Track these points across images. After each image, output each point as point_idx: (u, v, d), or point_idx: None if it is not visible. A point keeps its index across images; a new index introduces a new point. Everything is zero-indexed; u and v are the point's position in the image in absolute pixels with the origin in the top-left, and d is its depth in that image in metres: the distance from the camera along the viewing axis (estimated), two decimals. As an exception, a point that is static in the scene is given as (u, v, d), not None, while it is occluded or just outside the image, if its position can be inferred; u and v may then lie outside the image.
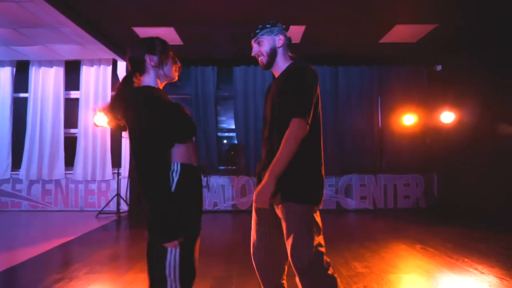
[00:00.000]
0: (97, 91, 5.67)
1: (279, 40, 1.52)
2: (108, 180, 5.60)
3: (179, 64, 1.37)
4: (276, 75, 1.58)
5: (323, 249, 1.35)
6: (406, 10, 3.76)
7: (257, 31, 1.54)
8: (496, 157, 4.40)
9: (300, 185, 1.39)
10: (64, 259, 3.21)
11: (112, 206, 5.28)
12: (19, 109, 5.81)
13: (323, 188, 1.45)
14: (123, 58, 5.21)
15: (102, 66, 5.68)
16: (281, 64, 1.54)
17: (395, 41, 4.58)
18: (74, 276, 2.51)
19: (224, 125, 6.18)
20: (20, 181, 5.64)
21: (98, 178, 5.57)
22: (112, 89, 5.65)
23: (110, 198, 5.44)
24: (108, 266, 2.82)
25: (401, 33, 4.33)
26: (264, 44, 1.53)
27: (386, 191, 5.63)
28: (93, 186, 5.62)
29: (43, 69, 5.70)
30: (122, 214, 5.08)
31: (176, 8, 3.69)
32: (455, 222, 4.50)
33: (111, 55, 5.11)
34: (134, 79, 1.29)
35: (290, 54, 1.58)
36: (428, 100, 5.60)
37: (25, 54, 5.26)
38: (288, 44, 1.58)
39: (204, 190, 5.53)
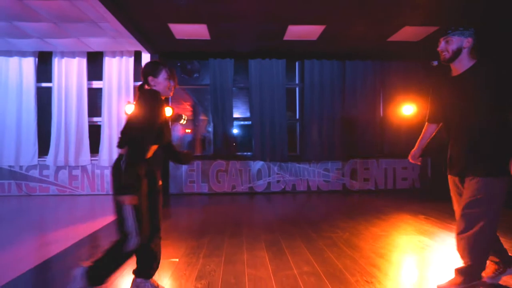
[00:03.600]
0: (120, 81, 5.97)
1: (467, 42, 1.82)
2: (133, 166, 5.99)
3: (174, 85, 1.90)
4: (455, 71, 1.91)
5: None
6: (415, 14, 4.30)
7: (449, 31, 1.84)
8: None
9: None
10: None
11: (137, 190, 5.70)
12: (43, 98, 6.05)
13: None
14: (149, 51, 5.55)
15: (124, 57, 5.97)
16: (465, 62, 1.85)
17: (402, 39, 5.15)
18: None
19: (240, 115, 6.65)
20: (47, 167, 5.94)
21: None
22: (135, 80, 5.99)
23: (135, 182, 5.86)
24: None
25: (408, 33, 4.89)
26: (452, 43, 1.84)
27: (387, 174, 6.31)
28: (118, 171, 5.99)
29: (66, 60, 5.93)
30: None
31: (211, 7, 4.06)
32: (447, 199, 5.20)
33: (139, 47, 5.42)
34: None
35: (473, 54, 1.85)
36: (425, 92, 6.25)
37: (51, 45, 5.47)
38: (474, 47, 1.85)
39: (223, 174, 6.06)
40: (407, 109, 6.03)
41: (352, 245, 2.90)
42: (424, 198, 5.30)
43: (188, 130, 7.39)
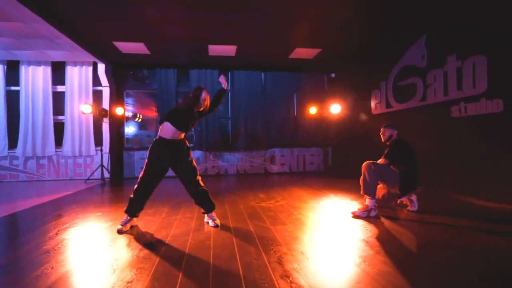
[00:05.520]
0: (80, 86, 6.41)
1: (394, 132, 3.10)
2: (92, 155, 6.46)
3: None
4: (388, 144, 3.10)
5: None
6: (299, 40, 5.19)
7: (385, 126, 3.15)
8: (362, 135, 6.12)
9: None
10: (67, 203, 4.18)
11: (96, 175, 6.21)
12: (12, 99, 6.33)
13: None
14: (103, 62, 6.05)
15: (84, 66, 6.40)
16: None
17: (299, 57, 6.05)
18: (72, 211, 3.63)
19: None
20: (16, 157, 6.25)
21: (84, 153, 6.40)
22: (94, 85, 6.44)
23: (94, 169, 6.35)
24: (100, 207, 3.95)
25: (301, 53, 5.80)
26: (386, 132, 3.13)
27: (298, 160, 7.27)
28: (80, 160, 6.44)
29: (32, 68, 6.27)
30: (105, 180, 6.04)
31: (146, 30, 4.68)
32: (336, 176, 6.22)
33: (92, 59, 5.90)
34: None
35: (396, 136, 3.09)
36: (326, 97, 7.28)
37: (17, 56, 5.81)
38: (398, 133, 3.10)
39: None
40: (313, 110, 7.01)
41: (233, 202, 3.72)
42: (319, 178, 6.28)
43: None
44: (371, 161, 3.00)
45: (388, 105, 5.19)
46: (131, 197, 2.54)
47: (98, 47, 5.33)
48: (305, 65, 6.66)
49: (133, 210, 2.54)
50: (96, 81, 6.45)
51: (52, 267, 1.80)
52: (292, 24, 4.54)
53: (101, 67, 6.18)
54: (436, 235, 2.32)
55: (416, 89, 4.51)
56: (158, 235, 2.44)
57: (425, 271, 1.68)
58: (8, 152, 6.23)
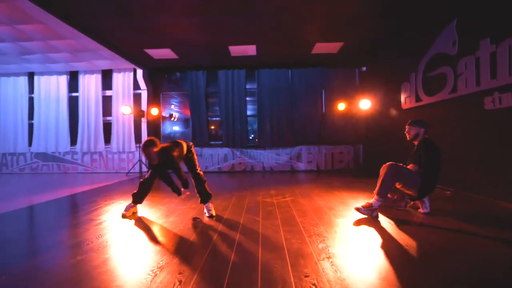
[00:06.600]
0: (124, 90, 7.36)
1: (421, 130, 2.90)
2: (133, 151, 7.37)
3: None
4: (415, 143, 2.96)
5: None
6: (317, 35, 5.13)
7: (411, 123, 2.95)
8: (392, 132, 5.68)
9: None
10: (111, 190, 4.92)
11: (136, 169, 7.05)
12: (72, 104, 7.60)
13: None
14: (140, 67, 6.85)
15: (126, 72, 7.33)
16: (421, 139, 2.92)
17: (322, 52, 5.95)
18: (106, 198, 4.25)
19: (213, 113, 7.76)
20: (76, 153, 7.50)
21: (127, 150, 7.34)
22: (134, 88, 7.33)
23: (134, 164, 7.22)
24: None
25: (323, 47, 5.70)
26: (412, 131, 2.94)
27: (326, 157, 7.13)
28: (124, 156, 7.40)
29: (87, 76, 7.43)
30: (143, 173, 6.83)
31: (168, 37, 5.16)
32: (364, 175, 5.95)
33: (132, 66, 6.74)
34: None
35: (425, 135, 2.89)
36: (358, 92, 6.96)
37: (75, 67, 6.97)
38: (425, 131, 2.89)
39: (199, 157, 7.20)
40: (341, 106, 6.80)
41: (241, 197, 3.94)
42: (345, 176, 6.09)
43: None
44: (393, 163, 2.87)
45: (417, 99, 4.80)
46: (140, 185, 2.96)
47: (132, 55, 6.08)
48: (332, 59, 6.50)
49: (138, 199, 2.95)
50: (136, 85, 7.31)
51: (68, 238, 2.28)
52: (303, 21, 4.54)
53: (140, 72, 7.00)
54: (440, 240, 2.17)
55: (446, 80, 4.10)
56: (159, 220, 2.81)
57: (420, 278, 1.67)
58: (70, 148, 7.50)
